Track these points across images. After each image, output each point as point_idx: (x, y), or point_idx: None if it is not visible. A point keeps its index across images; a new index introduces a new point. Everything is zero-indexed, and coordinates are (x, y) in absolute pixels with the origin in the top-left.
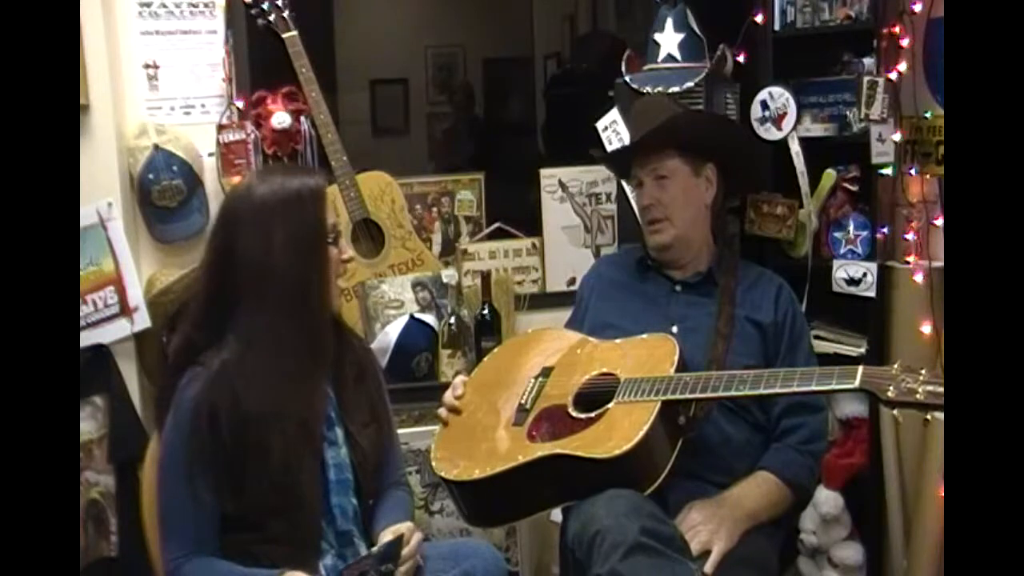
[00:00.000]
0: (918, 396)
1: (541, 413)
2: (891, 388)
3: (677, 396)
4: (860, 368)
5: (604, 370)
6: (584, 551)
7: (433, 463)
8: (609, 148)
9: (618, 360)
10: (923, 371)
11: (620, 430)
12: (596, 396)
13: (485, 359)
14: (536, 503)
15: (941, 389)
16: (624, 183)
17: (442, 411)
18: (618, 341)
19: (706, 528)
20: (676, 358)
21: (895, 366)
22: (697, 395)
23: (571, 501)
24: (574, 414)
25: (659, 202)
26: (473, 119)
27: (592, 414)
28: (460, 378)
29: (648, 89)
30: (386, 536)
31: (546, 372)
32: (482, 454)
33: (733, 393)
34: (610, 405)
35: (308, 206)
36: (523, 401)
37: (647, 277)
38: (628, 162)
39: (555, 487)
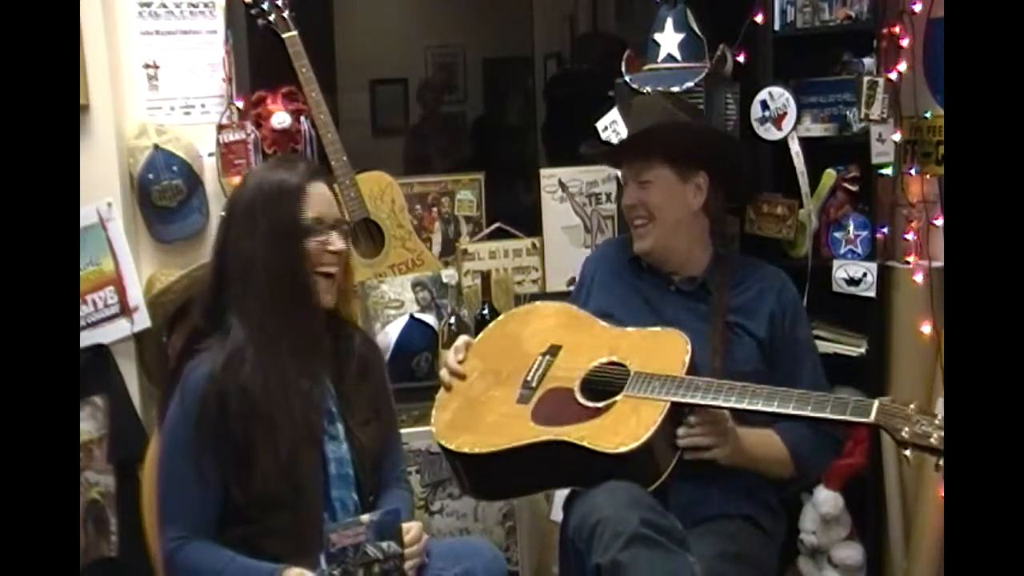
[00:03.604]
0: (932, 441)
1: (547, 394)
2: (905, 428)
3: (687, 400)
4: (876, 403)
5: (614, 358)
6: (584, 540)
7: (434, 429)
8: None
9: (628, 350)
10: (938, 416)
11: (627, 426)
12: (604, 385)
13: (491, 325)
14: (535, 483)
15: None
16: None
17: (444, 374)
18: (630, 329)
19: (715, 436)
20: (687, 359)
21: (911, 406)
22: (708, 402)
23: (570, 486)
24: (581, 401)
25: (641, 202)
26: (473, 119)
27: (599, 404)
28: (463, 339)
29: (648, 89)
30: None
31: (553, 350)
32: (485, 428)
33: (745, 406)
34: (618, 397)
35: (285, 200)
36: (529, 378)
37: (642, 275)
38: (612, 164)
39: (556, 471)
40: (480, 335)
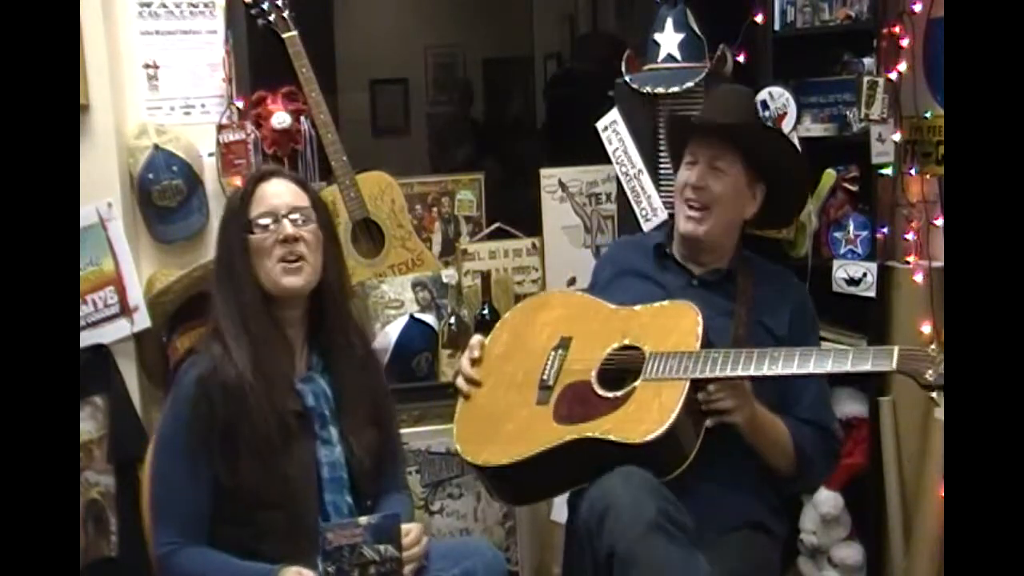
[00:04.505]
0: None
1: (565, 391)
2: (930, 371)
3: (706, 375)
4: (896, 349)
5: (626, 341)
6: (597, 521)
7: (458, 445)
8: (609, 147)
9: (640, 331)
10: None
11: (650, 412)
12: (621, 371)
13: (498, 326)
14: (567, 482)
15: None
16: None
17: (461, 383)
18: (637, 308)
19: (735, 399)
20: (700, 331)
21: (932, 347)
22: (727, 373)
23: (598, 479)
24: (600, 392)
25: (708, 188)
26: (473, 119)
27: (619, 393)
28: (477, 338)
29: (648, 89)
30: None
31: (565, 343)
32: (508, 437)
33: (765, 372)
34: (637, 383)
35: (231, 211)
36: (545, 377)
37: (665, 267)
38: (683, 136)
39: (585, 467)
40: (489, 337)
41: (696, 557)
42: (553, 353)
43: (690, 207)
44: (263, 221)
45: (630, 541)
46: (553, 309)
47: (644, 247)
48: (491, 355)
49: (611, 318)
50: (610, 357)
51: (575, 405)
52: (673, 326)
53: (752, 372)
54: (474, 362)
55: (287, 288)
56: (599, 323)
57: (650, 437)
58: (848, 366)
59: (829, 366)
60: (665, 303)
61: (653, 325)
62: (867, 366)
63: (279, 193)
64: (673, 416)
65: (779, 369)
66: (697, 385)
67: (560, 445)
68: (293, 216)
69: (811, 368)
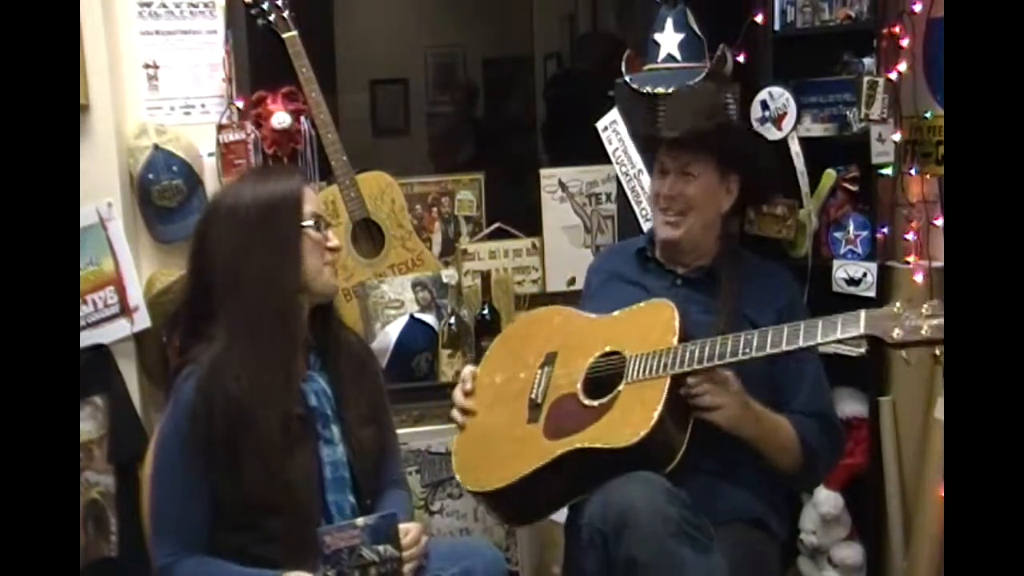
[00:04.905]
0: (924, 332)
1: (553, 406)
2: (896, 329)
3: (685, 368)
4: (862, 313)
5: (608, 348)
6: (614, 529)
7: (457, 475)
8: (609, 147)
9: (620, 336)
10: (925, 305)
11: (635, 413)
12: (605, 378)
13: (486, 355)
14: (568, 495)
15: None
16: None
17: (456, 414)
18: (616, 314)
19: (717, 396)
20: (677, 324)
21: (896, 304)
22: (704, 365)
23: (597, 489)
24: (586, 402)
25: (682, 195)
26: (473, 119)
27: (604, 400)
28: (468, 369)
29: (648, 89)
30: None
31: (551, 359)
32: (502, 460)
33: (740, 358)
34: (620, 388)
35: (282, 210)
36: (533, 396)
37: (648, 269)
38: (655, 142)
39: (582, 478)
40: (481, 364)
41: (716, 558)
42: (540, 371)
43: (666, 213)
44: (317, 222)
45: (653, 549)
46: (538, 329)
47: (628, 252)
48: (483, 383)
49: (591, 328)
50: (594, 366)
51: (563, 419)
52: (651, 325)
53: (728, 359)
54: (467, 393)
55: (334, 288)
56: (581, 335)
57: (637, 439)
58: (819, 337)
59: (800, 341)
60: (642, 304)
61: (632, 328)
62: (837, 334)
63: (316, 201)
64: (656, 415)
65: (753, 352)
66: (679, 380)
67: (552, 460)
68: (331, 226)
69: (784, 346)
